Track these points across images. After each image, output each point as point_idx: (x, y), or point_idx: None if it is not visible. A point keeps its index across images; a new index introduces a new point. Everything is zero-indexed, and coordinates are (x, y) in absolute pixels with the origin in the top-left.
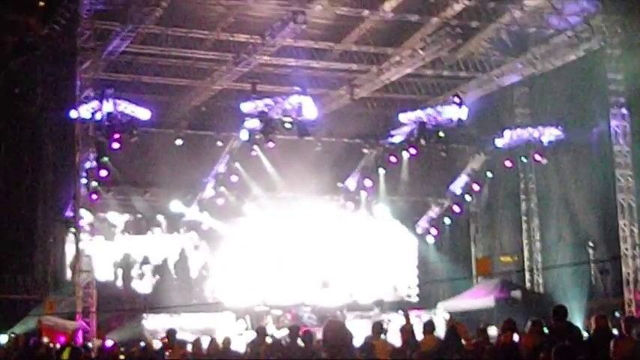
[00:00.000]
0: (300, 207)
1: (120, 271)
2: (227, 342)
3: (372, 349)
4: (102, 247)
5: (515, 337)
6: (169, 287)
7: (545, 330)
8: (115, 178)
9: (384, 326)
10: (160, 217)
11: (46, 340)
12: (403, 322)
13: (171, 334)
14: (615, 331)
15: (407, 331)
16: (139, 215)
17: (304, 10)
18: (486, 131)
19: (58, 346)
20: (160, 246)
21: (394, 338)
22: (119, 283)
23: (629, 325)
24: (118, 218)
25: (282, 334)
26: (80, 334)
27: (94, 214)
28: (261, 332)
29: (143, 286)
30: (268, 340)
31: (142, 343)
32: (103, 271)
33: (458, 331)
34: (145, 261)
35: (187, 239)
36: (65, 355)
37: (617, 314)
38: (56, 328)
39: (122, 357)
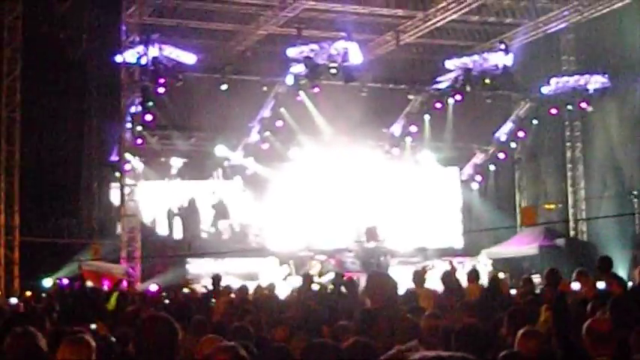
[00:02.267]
0: (345, 152)
1: (165, 217)
2: (272, 287)
3: (415, 298)
4: (147, 192)
5: (576, 286)
6: (213, 232)
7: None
8: (160, 122)
9: (426, 273)
10: (206, 162)
11: (90, 284)
12: (446, 268)
13: (216, 279)
14: None
15: (451, 279)
16: (185, 160)
17: None
18: (532, 78)
19: (105, 288)
20: (206, 191)
21: (436, 285)
22: (164, 228)
23: None
24: (163, 163)
25: (326, 279)
26: (125, 279)
27: (140, 158)
28: (307, 278)
29: (188, 231)
30: (314, 286)
31: (186, 289)
32: (148, 216)
33: (499, 282)
34: (190, 206)
35: (232, 184)
36: (112, 300)
37: None
38: (100, 272)
39: (166, 302)
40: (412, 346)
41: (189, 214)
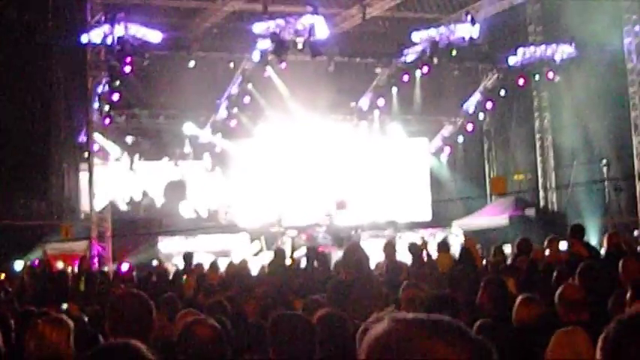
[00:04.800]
0: (314, 127)
1: (134, 195)
2: (244, 263)
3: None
4: (116, 172)
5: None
6: (184, 210)
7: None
8: (127, 101)
9: (396, 245)
10: (173, 141)
11: (60, 265)
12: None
13: (187, 257)
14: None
15: (420, 250)
16: (153, 139)
17: None
18: (499, 49)
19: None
20: (175, 169)
21: (406, 257)
22: (134, 207)
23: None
24: (131, 142)
25: (298, 254)
26: (95, 259)
27: (108, 138)
28: (280, 253)
29: (158, 209)
30: (287, 261)
31: (155, 263)
32: (118, 196)
33: (471, 252)
34: (160, 184)
35: (201, 161)
36: (81, 285)
37: (636, 233)
38: (72, 253)
39: (138, 280)
40: (390, 312)
41: (168, 192)
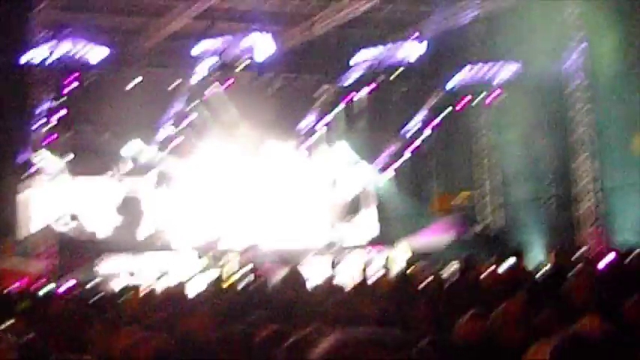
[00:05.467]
0: (259, 145)
1: (76, 214)
2: (186, 282)
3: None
4: (58, 190)
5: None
6: (127, 229)
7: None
8: (71, 119)
9: (341, 263)
10: (117, 158)
11: (5, 284)
12: (361, 260)
13: (130, 275)
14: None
15: (365, 269)
16: (97, 156)
17: None
18: (444, 68)
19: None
20: (118, 186)
21: (351, 276)
22: (76, 225)
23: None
24: (75, 160)
25: (240, 274)
26: (43, 277)
27: (51, 156)
28: (222, 272)
29: (100, 228)
30: (229, 280)
31: (97, 281)
32: (60, 214)
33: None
34: (103, 202)
35: (145, 179)
36: (25, 304)
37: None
38: (16, 271)
39: (79, 299)
40: (317, 327)
41: (117, 210)
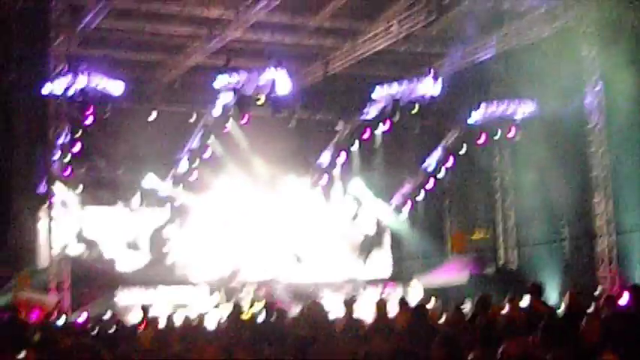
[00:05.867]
0: (274, 182)
1: (94, 247)
2: (201, 317)
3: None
4: (76, 223)
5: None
6: (143, 262)
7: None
8: (88, 153)
9: (356, 301)
10: (133, 192)
11: (22, 315)
12: (376, 297)
13: (144, 309)
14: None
15: (381, 306)
16: (113, 190)
17: None
18: (460, 107)
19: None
20: (134, 221)
21: (367, 313)
22: (93, 258)
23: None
24: (90, 192)
25: (256, 309)
26: (57, 310)
27: (68, 189)
28: (238, 307)
29: (117, 261)
30: (244, 316)
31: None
32: (77, 247)
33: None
34: (119, 236)
35: (161, 214)
36: (36, 337)
37: (597, 292)
38: (33, 303)
39: (94, 333)
40: None
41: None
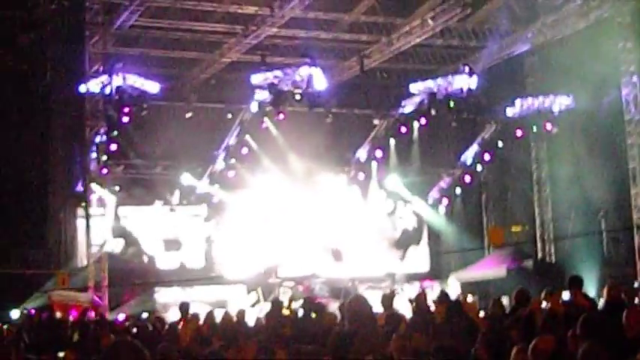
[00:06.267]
0: (311, 178)
1: (131, 245)
2: (241, 314)
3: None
4: (113, 221)
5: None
6: (181, 260)
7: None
8: (125, 151)
9: (395, 297)
10: (171, 191)
11: (59, 314)
12: (415, 292)
13: (183, 307)
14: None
15: (420, 301)
16: (150, 189)
17: None
18: (497, 101)
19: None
20: (172, 219)
21: (406, 308)
22: (130, 256)
23: None
24: (128, 192)
25: (296, 305)
26: (93, 308)
27: (105, 188)
28: (277, 304)
29: (155, 259)
30: (284, 312)
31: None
32: (115, 245)
33: (463, 304)
34: (157, 234)
35: (198, 212)
36: (75, 336)
37: (636, 284)
38: (68, 302)
39: (134, 330)
40: None
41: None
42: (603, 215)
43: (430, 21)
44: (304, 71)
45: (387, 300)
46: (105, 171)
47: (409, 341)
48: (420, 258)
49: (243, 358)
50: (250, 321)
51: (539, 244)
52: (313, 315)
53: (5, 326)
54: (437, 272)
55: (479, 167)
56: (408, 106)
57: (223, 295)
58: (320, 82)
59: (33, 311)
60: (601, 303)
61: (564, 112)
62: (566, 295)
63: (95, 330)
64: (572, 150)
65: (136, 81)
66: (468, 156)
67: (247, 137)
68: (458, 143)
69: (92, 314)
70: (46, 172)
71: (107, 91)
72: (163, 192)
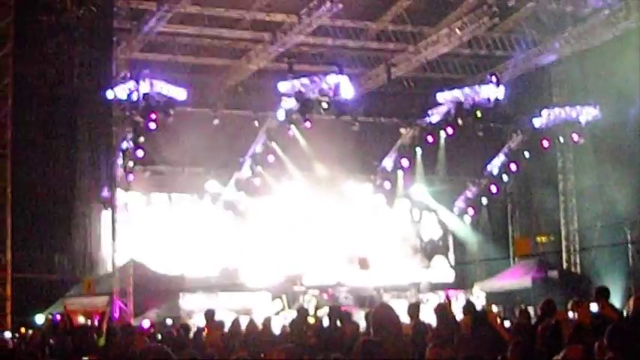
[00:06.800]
0: (337, 187)
1: (157, 251)
2: (267, 322)
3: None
4: (139, 227)
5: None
6: (206, 267)
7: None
8: (151, 158)
9: (420, 307)
10: (196, 197)
11: (82, 320)
12: (440, 301)
13: (209, 314)
14: None
15: (446, 311)
16: (176, 195)
17: None
18: (523, 111)
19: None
20: (197, 226)
21: (430, 318)
22: (156, 263)
23: None
24: (154, 198)
25: (321, 313)
26: (116, 312)
27: (131, 193)
28: (302, 312)
29: (180, 265)
30: (310, 320)
31: (169, 322)
32: (140, 252)
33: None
34: (182, 241)
35: (224, 219)
36: (101, 340)
37: None
38: (85, 309)
39: (159, 337)
40: None
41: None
42: (629, 226)
43: (457, 30)
44: (331, 79)
45: (414, 309)
46: (131, 177)
47: (445, 351)
48: (444, 267)
49: None
50: (276, 328)
51: (564, 255)
52: (339, 323)
53: (30, 331)
54: (462, 282)
55: (505, 177)
56: (435, 116)
57: (248, 302)
58: (347, 90)
59: (58, 317)
60: (625, 314)
61: (591, 123)
62: (593, 306)
63: (123, 336)
64: (598, 161)
65: (163, 87)
66: (494, 166)
67: (273, 145)
68: (484, 153)
69: (116, 317)
70: (73, 178)
71: (134, 97)
72: (189, 198)
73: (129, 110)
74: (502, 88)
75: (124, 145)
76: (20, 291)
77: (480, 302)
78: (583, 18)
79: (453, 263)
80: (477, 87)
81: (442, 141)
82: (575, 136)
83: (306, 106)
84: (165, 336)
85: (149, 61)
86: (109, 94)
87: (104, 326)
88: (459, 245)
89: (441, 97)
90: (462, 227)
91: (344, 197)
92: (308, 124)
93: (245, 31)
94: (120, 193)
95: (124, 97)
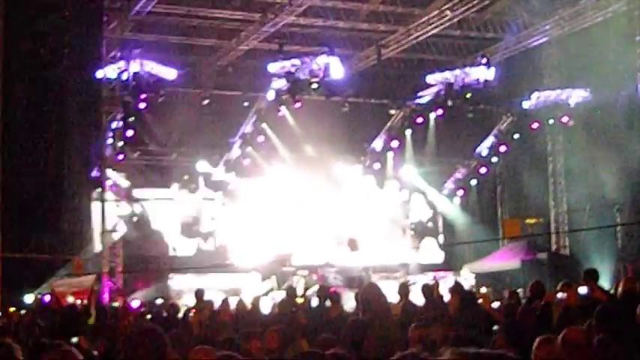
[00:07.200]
0: (327, 167)
1: (146, 232)
2: (256, 302)
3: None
4: (128, 207)
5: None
6: (195, 247)
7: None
8: (141, 138)
9: (410, 287)
10: (186, 177)
11: (71, 299)
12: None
13: (198, 293)
14: None
15: (432, 292)
16: (166, 175)
17: None
18: (513, 93)
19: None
20: (186, 206)
21: (419, 299)
22: (145, 243)
23: None
24: (144, 178)
25: (310, 294)
26: (106, 293)
27: (120, 174)
28: (291, 292)
29: (169, 246)
30: (298, 300)
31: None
32: (129, 232)
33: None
34: (172, 221)
35: (214, 199)
36: (91, 320)
37: None
38: (72, 290)
39: (148, 317)
40: (412, 353)
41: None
42: (618, 209)
43: (448, 12)
44: (321, 60)
45: (404, 289)
46: (120, 157)
47: (426, 331)
48: (434, 249)
49: (266, 348)
50: (264, 309)
51: (553, 237)
52: (328, 303)
53: (22, 311)
54: (451, 263)
55: (494, 159)
56: (425, 97)
57: (237, 282)
58: (337, 71)
59: (47, 297)
60: (616, 295)
61: (581, 105)
62: (582, 288)
63: (113, 315)
64: (588, 143)
65: (153, 67)
66: (484, 147)
67: (263, 125)
68: (474, 135)
69: (106, 299)
70: (62, 158)
71: (124, 77)
72: (179, 179)
73: (119, 90)
74: (492, 69)
75: (114, 125)
76: (10, 271)
77: (468, 283)
78: (574, 0)
79: (442, 244)
80: (467, 69)
81: (432, 122)
82: (565, 118)
83: (296, 86)
84: (154, 316)
85: (139, 40)
86: (99, 74)
87: (93, 305)
88: (448, 227)
89: (431, 78)
90: (452, 208)
91: (333, 178)
92: (298, 104)
93: (235, 11)
94: (109, 174)
95: (114, 76)
